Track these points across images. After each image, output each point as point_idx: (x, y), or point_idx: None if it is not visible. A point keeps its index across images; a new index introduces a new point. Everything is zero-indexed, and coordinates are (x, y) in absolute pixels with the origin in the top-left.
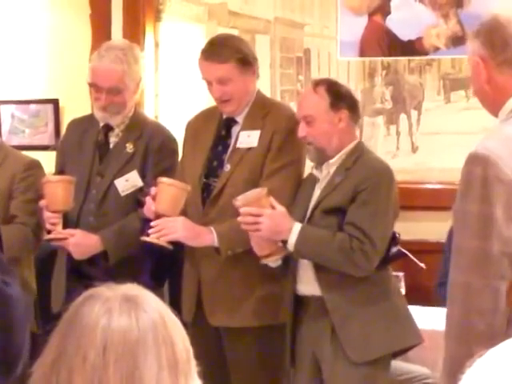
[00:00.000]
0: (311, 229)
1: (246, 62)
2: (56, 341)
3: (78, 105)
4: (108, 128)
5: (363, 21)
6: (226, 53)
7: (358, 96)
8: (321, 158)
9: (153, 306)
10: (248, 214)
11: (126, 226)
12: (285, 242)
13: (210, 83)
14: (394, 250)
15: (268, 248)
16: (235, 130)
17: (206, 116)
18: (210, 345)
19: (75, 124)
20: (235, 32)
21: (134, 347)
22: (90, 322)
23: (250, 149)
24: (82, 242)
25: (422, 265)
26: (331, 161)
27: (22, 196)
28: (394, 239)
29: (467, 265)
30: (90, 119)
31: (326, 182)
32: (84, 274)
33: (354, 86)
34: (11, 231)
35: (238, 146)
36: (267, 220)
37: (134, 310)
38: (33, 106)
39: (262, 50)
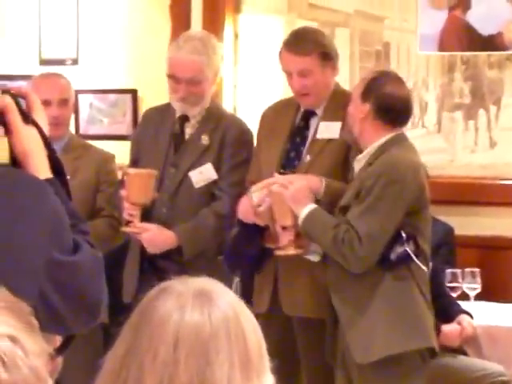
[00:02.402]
0: (321, 213)
1: (328, 56)
2: (127, 334)
3: (156, 95)
4: (184, 118)
5: (443, 15)
6: (309, 46)
7: (435, 91)
8: (353, 143)
9: (226, 301)
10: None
11: (201, 222)
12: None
13: (290, 75)
14: (400, 250)
15: (288, 218)
16: (314, 121)
17: (281, 107)
18: (282, 335)
19: (151, 113)
20: (314, 25)
21: (206, 343)
22: (162, 317)
23: (330, 140)
24: (156, 238)
25: (425, 268)
26: (359, 157)
27: (109, 189)
28: (399, 239)
29: None
30: (166, 109)
31: (354, 179)
32: (157, 267)
33: (433, 80)
34: (101, 225)
35: (318, 136)
36: (297, 185)
37: (206, 305)
38: (111, 96)
39: (342, 43)
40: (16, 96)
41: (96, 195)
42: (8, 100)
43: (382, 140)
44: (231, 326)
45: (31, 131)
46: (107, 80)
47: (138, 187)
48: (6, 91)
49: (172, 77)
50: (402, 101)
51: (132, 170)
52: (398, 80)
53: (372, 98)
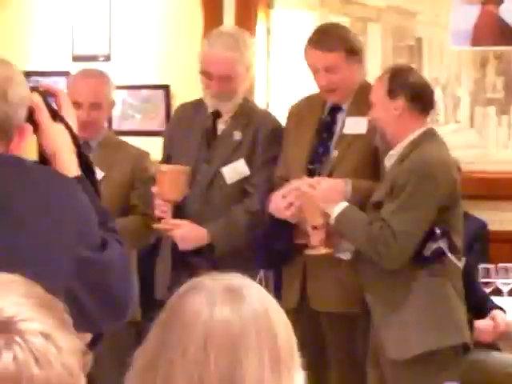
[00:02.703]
0: (354, 210)
1: (353, 51)
2: (157, 331)
3: (188, 90)
4: (216, 114)
5: (476, 10)
6: (335, 41)
7: (468, 86)
8: (385, 147)
9: (256, 297)
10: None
11: (233, 220)
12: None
13: (316, 71)
14: (433, 246)
15: (319, 218)
16: (340, 116)
17: (308, 102)
18: (311, 331)
19: (183, 109)
20: (347, 20)
21: (236, 340)
22: (192, 314)
23: (358, 135)
24: (189, 234)
25: (460, 264)
26: (391, 152)
27: (143, 187)
28: (433, 236)
29: None
30: (198, 104)
31: (386, 175)
32: (189, 263)
33: (466, 75)
34: (133, 222)
35: (345, 131)
36: (326, 184)
37: (236, 301)
38: (144, 92)
39: (374, 39)
40: (45, 94)
41: (130, 192)
42: (37, 98)
43: (414, 135)
44: (261, 323)
45: (60, 129)
46: (140, 76)
47: (170, 184)
48: (34, 89)
49: (205, 73)
50: (428, 86)
51: (164, 167)
52: (414, 69)
53: (402, 91)
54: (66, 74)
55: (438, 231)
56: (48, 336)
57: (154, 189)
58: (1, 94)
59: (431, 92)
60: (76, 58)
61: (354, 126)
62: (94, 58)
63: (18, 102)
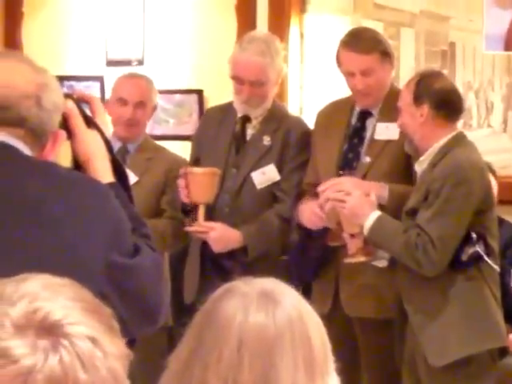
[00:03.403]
0: (388, 219)
1: (387, 53)
2: (191, 335)
3: (222, 95)
4: (245, 119)
5: (509, 14)
6: (370, 44)
7: (501, 90)
8: (415, 153)
9: (290, 302)
10: (338, 191)
11: (266, 224)
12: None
13: (351, 74)
14: (470, 251)
15: (355, 226)
16: (370, 122)
17: (336, 107)
18: (343, 336)
19: (213, 112)
20: (380, 25)
21: (271, 345)
22: (227, 318)
23: (389, 141)
24: (223, 237)
25: (496, 267)
26: (421, 158)
27: (174, 192)
28: (470, 240)
29: None
30: (227, 108)
31: (417, 181)
32: (220, 266)
33: (499, 80)
34: (162, 225)
35: (377, 137)
36: (353, 200)
37: (271, 305)
38: (177, 96)
39: (407, 43)
40: (79, 100)
41: (162, 197)
42: (71, 105)
43: (444, 140)
44: (296, 327)
45: (94, 135)
46: (173, 80)
47: (202, 186)
48: (69, 95)
49: (236, 78)
50: (454, 92)
51: (196, 169)
52: (442, 75)
53: (426, 98)
54: (99, 78)
55: (474, 235)
56: (95, 340)
57: (185, 191)
58: (35, 100)
59: (458, 98)
60: (110, 63)
61: (385, 131)
62: (127, 63)
63: (52, 109)
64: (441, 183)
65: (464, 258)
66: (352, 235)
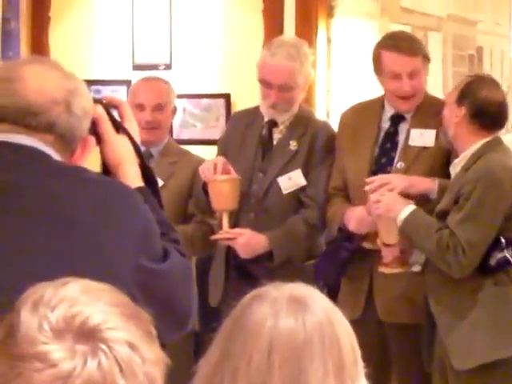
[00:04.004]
0: (422, 214)
1: (427, 57)
2: (221, 340)
3: (249, 99)
4: (272, 123)
5: None
6: (415, 45)
7: None
8: (449, 145)
9: (320, 307)
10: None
11: (292, 229)
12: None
13: (396, 77)
14: (499, 256)
15: (392, 236)
16: (403, 126)
17: (363, 110)
18: (374, 341)
19: (239, 117)
20: (408, 28)
21: (300, 350)
22: (257, 324)
23: (425, 147)
24: (250, 242)
25: None
26: (455, 161)
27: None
28: (499, 245)
29: None
30: (254, 113)
31: (450, 184)
32: (245, 271)
33: None
34: (191, 230)
35: (411, 143)
36: (387, 198)
37: (301, 311)
38: (205, 101)
39: (435, 48)
40: (108, 106)
41: (188, 201)
42: (100, 110)
43: (478, 145)
44: (325, 332)
45: (123, 140)
46: (200, 85)
47: (224, 194)
48: (98, 101)
49: (264, 82)
50: (497, 105)
51: (220, 177)
52: (494, 84)
53: (467, 102)
54: (126, 82)
55: (503, 240)
56: (133, 345)
57: (208, 199)
58: (65, 106)
59: (500, 112)
60: (137, 67)
61: (420, 137)
62: (154, 67)
63: (82, 114)
64: (472, 186)
65: (492, 262)
66: (388, 245)
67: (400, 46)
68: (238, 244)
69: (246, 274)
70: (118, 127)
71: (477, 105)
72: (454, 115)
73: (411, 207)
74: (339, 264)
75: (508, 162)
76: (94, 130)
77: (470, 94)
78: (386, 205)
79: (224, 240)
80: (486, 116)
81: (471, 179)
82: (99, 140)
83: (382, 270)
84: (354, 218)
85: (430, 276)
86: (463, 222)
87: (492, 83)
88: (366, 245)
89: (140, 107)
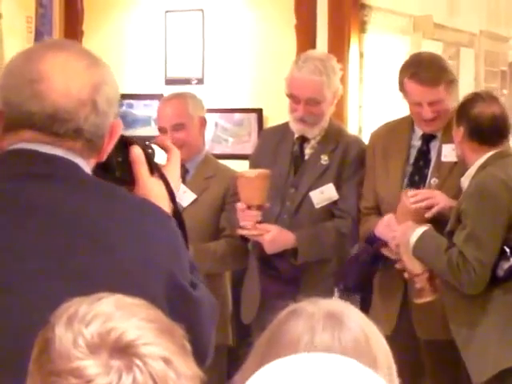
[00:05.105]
0: (432, 235)
1: (452, 81)
2: (257, 356)
3: (281, 114)
4: (303, 139)
5: None
6: (437, 75)
7: None
8: (460, 159)
9: (357, 323)
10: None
11: (322, 233)
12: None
13: (418, 104)
14: (506, 265)
15: (417, 265)
16: (434, 144)
17: (393, 129)
18: (407, 356)
19: (269, 133)
20: (440, 45)
21: None
22: (293, 339)
23: (457, 162)
24: (277, 239)
25: None
26: (462, 178)
27: (232, 209)
28: (504, 254)
29: None
30: (284, 129)
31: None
32: (270, 265)
33: None
34: (223, 246)
35: (444, 159)
36: (401, 226)
37: (337, 327)
38: (237, 115)
39: (467, 64)
40: (148, 147)
41: (220, 215)
42: (138, 151)
43: (483, 159)
44: (361, 349)
45: (156, 184)
46: (232, 99)
47: (254, 188)
48: (148, 144)
49: (291, 96)
50: (491, 120)
51: (248, 173)
52: (489, 99)
53: (463, 121)
54: (159, 96)
55: (507, 250)
56: (168, 361)
57: (239, 204)
58: (91, 107)
59: (495, 126)
60: (169, 81)
61: (451, 153)
62: (187, 82)
63: (107, 108)
64: (467, 203)
65: (500, 273)
66: (416, 275)
67: (421, 75)
68: (265, 240)
69: (271, 268)
70: (154, 170)
71: (471, 123)
72: (456, 135)
73: (422, 229)
74: (359, 266)
75: (499, 174)
76: (129, 170)
77: (464, 114)
78: (401, 231)
79: (251, 235)
80: (483, 132)
81: (466, 196)
82: (134, 181)
83: (418, 301)
84: (382, 222)
85: (446, 294)
86: (468, 241)
87: (486, 98)
88: (385, 251)
89: (162, 130)
